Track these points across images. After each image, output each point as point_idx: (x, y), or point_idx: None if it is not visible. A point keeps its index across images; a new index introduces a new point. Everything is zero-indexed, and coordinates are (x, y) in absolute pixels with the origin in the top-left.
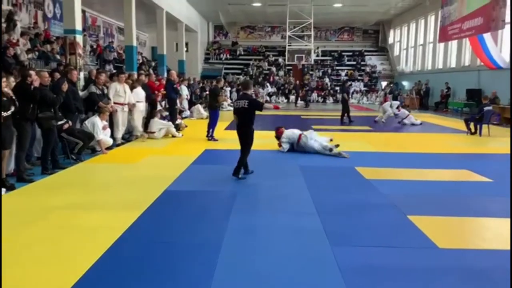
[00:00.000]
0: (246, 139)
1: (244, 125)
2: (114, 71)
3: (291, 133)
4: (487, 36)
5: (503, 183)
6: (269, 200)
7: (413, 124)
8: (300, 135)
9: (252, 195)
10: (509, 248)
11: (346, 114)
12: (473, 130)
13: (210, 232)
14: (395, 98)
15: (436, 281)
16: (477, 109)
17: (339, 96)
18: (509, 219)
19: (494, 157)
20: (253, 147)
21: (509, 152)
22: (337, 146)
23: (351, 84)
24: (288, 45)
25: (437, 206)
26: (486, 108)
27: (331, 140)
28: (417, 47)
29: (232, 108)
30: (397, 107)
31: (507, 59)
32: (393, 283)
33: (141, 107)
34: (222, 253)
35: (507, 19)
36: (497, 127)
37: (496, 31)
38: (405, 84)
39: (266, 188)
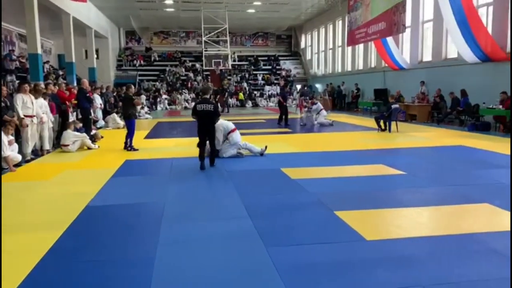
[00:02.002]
0: (212, 135)
1: (210, 125)
2: (17, 81)
3: (226, 124)
4: (390, 40)
5: (415, 174)
6: (199, 207)
7: (322, 124)
8: (235, 128)
9: (181, 204)
10: (427, 234)
11: (283, 117)
12: (383, 127)
13: (141, 246)
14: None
15: (368, 272)
16: (385, 108)
17: (258, 100)
18: (423, 208)
19: (405, 151)
20: (177, 155)
21: (417, 145)
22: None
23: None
24: (205, 50)
25: (360, 200)
26: (393, 106)
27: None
28: (327, 51)
29: (150, 116)
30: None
31: (408, 60)
32: (328, 278)
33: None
34: (156, 267)
35: (407, 23)
36: (404, 123)
37: (398, 35)
38: (318, 86)
39: (194, 195)
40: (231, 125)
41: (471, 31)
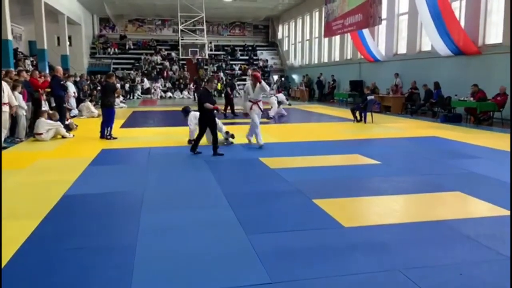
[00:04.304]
0: (207, 124)
1: (201, 113)
2: None
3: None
4: (366, 32)
5: (390, 164)
6: (179, 196)
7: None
8: None
9: (161, 193)
10: (402, 221)
11: (229, 108)
12: (359, 118)
13: (122, 234)
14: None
15: (345, 257)
16: (360, 99)
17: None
18: (398, 196)
19: (380, 142)
20: (154, 144)
21: (392, 136)
22: (232, 137)
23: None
24: (181, 39)
25: (337, 189)
26: (369, 98)
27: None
28: (304, 42)
29: (125, 105)
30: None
31: (383, 52)
32: (308, 263)
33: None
34: (138, 255)
35: (383, 15)
36: (378, 115)
37: (374, 27)
38: (295, 77)
39: (174, 184)
40: None
41: (444, 25)
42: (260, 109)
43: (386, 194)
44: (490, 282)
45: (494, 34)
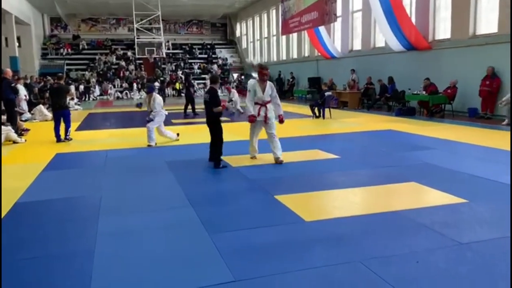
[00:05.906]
0: (214, 131)
1: (210, 116)
2: None
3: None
4: (322, 29)
5: (348, 158)
6: (139, 198)
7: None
8: None
9: (119, 196)
10: (361, 213)
11: (190, 106)
12: (317, 114)
13: (79, 241)
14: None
15: (308, 251)
16: (318, 95)
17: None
18: (357, 188)
19: (338, 137)
20: (111, 147)
21: (349, 131)
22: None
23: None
24: (137, 38)
25: (298, 184)
26: (327, 94)
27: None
28: (262, 39)
29: (80, 108)
30: None
31: (340, 49)
32: (271, 259)
33: None
34: (97, 261)
35: (338, 13)
36: (336, 110)
37: (330, 24)
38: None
39: (134, 187)
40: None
41: (396, 21)
42: (266, 114)
43: (345, 187)
44: (444, 268)
45: (442, 29)
